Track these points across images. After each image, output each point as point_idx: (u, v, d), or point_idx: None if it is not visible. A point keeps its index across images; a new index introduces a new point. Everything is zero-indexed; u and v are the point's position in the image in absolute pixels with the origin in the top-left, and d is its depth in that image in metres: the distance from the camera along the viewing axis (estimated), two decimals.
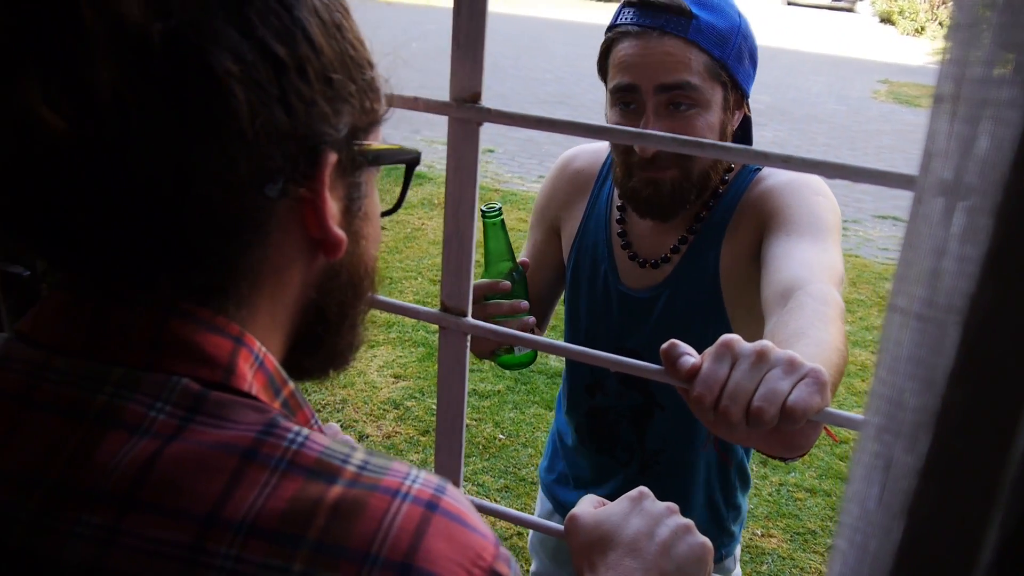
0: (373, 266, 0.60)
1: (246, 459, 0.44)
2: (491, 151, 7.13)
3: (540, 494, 1.64)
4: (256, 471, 0.44)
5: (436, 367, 0.84)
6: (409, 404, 3.53)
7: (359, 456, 0.47)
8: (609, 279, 1.37)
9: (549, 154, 7.16)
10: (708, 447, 1.38)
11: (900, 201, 6.48)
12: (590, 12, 17.98)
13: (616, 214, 1.38)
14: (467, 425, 3.36)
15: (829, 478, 3.25)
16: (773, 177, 1.26)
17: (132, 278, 0.48)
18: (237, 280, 0.50)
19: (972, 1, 0.29)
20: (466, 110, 0.72)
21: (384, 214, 0.63)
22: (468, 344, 0.81)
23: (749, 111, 1.30)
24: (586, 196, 1.42)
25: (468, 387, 0.82)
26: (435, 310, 0.80)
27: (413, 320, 4.08)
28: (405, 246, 5.08)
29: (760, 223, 1.21)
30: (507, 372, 3.70)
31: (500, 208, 1.22)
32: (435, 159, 6.68)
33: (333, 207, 0.52)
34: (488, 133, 7.18)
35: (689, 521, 0.73)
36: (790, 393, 0.65)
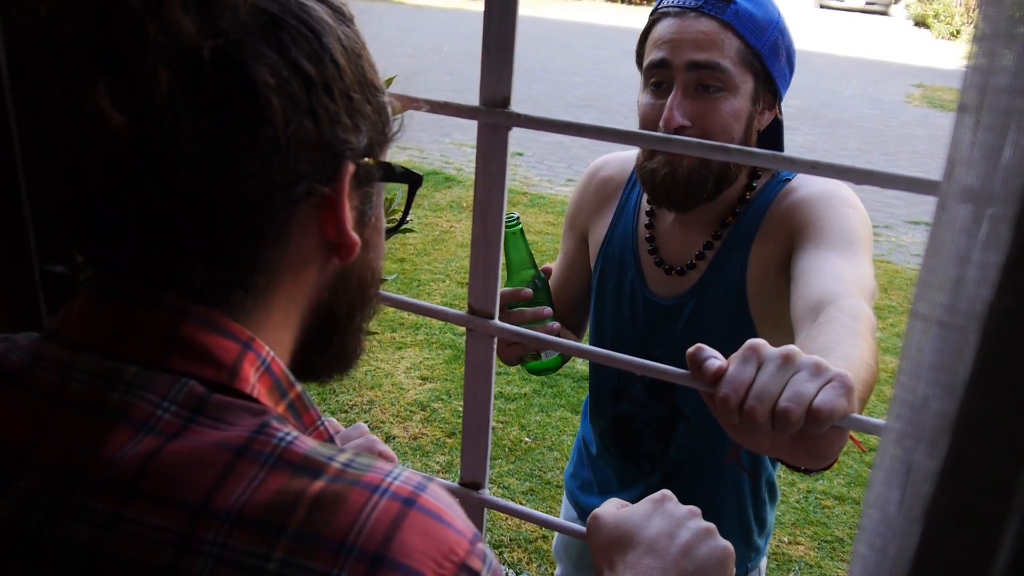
0: (379, 275, 0.66)
1: (239, 454, 0.48)
2: (520, 154, 7.14)
3: (565, 500, 1.64)
4: (246, 465, 0.48)
5: (463, 369, 0.85)
6: (436, 406, 3.55)
7: (345, 455, 0.50)
8: (636, 286, 1.37)
9: (578, 158, 7.15)
10: (731, 460, 1.37)
11: (932, 207, 6.38)
12: (619, 16, 17.96)
13: (644, 219, 1.38)
14: (493, 428, 3.37)
15: (858, 486, 3.22)
16: (804, 188, 1.25)
17: (161, 274, 0.52)
18: (256, 276, 0.54)
19: (997, 11, 0.29)
20: (495, 115, 0.72)
21: (392, 230, 0.68)
22: (495, 346, 0.82)
23: (781, 114, 1.29)
24: (614, 203, 1.42)
25: (494, 389, 0.83)
26: (462, 312, 0.81)
27: (441, 322, 4.10)
28: (434, 248, 5.10)
29: (790, 234, 1.21)
30: (533, 375, 3.71)
31: (518, 217, 1.24)
32: (464, 162, 6.71)
33: (349, 213, 0.57)
34: (517, 136, 7.18)
35: (711, 525, 0.73)
36: (816, 395, 0.65)
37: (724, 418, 0.70)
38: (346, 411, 3.48)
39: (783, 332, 1.18)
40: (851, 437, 1.02)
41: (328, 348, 0.64)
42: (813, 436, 0.70)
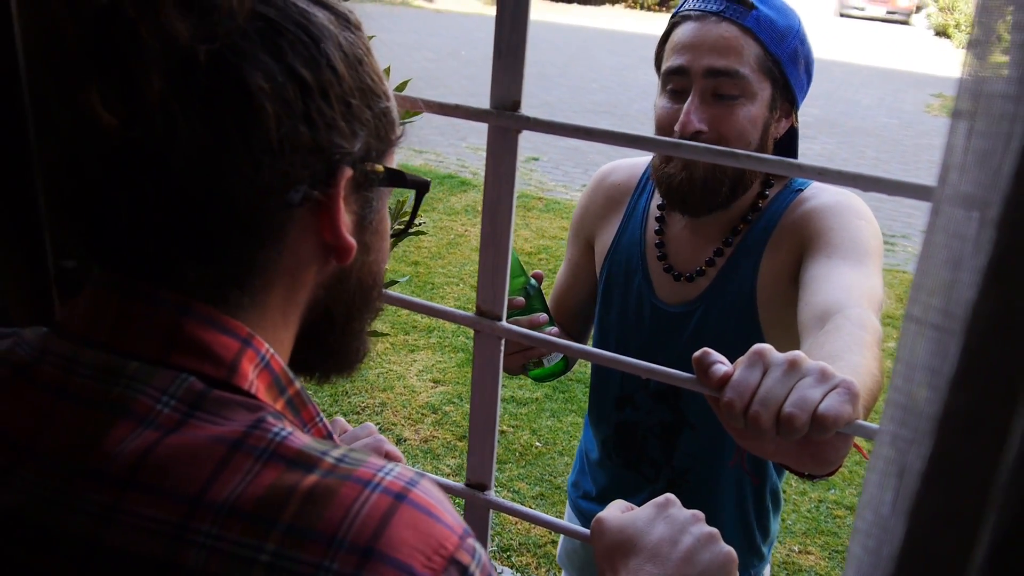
0: (381, 279, 0.67)
1: (234, 448, 0.49)
2: (535, 159, 7.16)
3: (568, 508, 1.63)
4: (241, 459, 0.49)
5: None
6: (447, 409, 3.55)
7: (339, 451, 0.51)
8: (643, 292, 1.37)
9: (593, 163, 7.16)
10: (735, 465, 1.37)
11: None
12: (637, 22, 17.96)
13: (654, 224, 1.38)
14: (504, 432, 3.38)
15: None
16: (816, 198, 1.24)
17: (157, 271, 0.54)
18: (252, 276, 0.55)
19: (990, 18, 0.29)
20: (506, 118, 0.73)
21: (398, 235, 0.68)
22: (503, 348, 0.82)
23: (797, 123, 1.29)
24: (622, 209, 1.42)
25: (505, 393, 0.83)
26: (470, 314, 0.82)
27: (453, 325, 4.11)
28: (447, 252, 5.12)
29: (801, 244, 1.20)
30: (538, 383, 3.70)
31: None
32: (480, 166, 6.72)
33: (346, 216, 0.58)
34: (533, 141, 7.21)
35: (714, 530, 0.73)
36: (821, 401, 0.65)
37: (729, 422, 0.70)
38: (358, 413, 3.49)
39: (791, 341, 1.17)
40: (857, 447, 1.02)
41: (327, 348, 0.65)
42: (818, 441, 0.70)
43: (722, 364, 0.71)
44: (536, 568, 2.78)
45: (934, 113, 11.07)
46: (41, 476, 0.50)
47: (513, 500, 3.03)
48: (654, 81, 1.30)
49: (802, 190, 1.27)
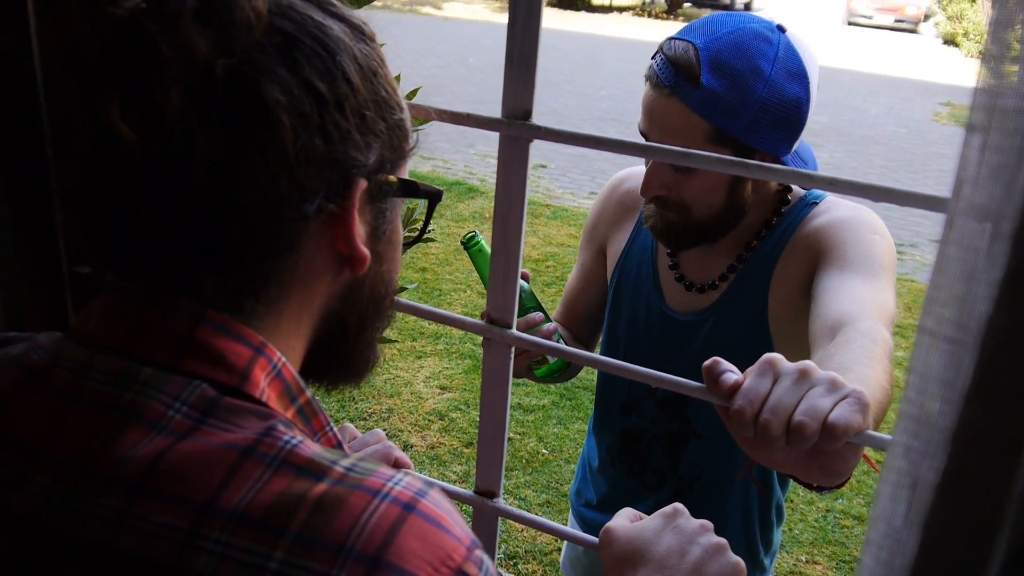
0: (393, 288, 0.67)
1: (245, 456, 0.49)
2: (543, 166, 7.16)
3: (571, 517, 1.63)
4: (252, 467, 0.49)
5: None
6: (454, 416, 3.55)
7: (349, 460, 0.51)
8: (653, 300, 1.37)
9: (601, 170, 7.16)
10: (744, 475, 1.36)
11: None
12: (645, 29, 17.98)
13: None
14: (511, 439, 3.38)
15: None
16: (829, 212, 1.24)
17: (175, 280, 0.54)
18: (268, 285, 0.56)
19: (1006, 32, 0.30)
20: (517, 127, 0.73)
21: (410, 243, 0.69)
22: (512, 356, 0.83)
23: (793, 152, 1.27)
24: (634, 217, 1.42)
25: (512, 400, 0.83)
26: (480, 322, 0.82)
27: (460, 332, 4.11)
28: (455, 259, 5.12)
29: (814, 257, 1.20)
30: (552, 386, 3.71)
31: (476, 233, 1.23)
32: (488, 173, 6.73)
33: (360, 227, 0.58)
34: (540, 149, 7.21)
35: (722, 540, 0.73)
36: (831, 410, 0.65)
37: (739, 431, 0.70)
38: (364, 419, 3.50)
39: (802, 353, 1.17)
40: (866, 458, 1.02)
41: (339, 357, 0.66)
42: (827, 452, 0.70)
43: (732, 373, 0.71)
44: None
45: (943, 122, 11.05)
46: (54, 480, 0.51)
47: (519, 507, 3.02)
48: None
49: (817, 203, 1.26)
